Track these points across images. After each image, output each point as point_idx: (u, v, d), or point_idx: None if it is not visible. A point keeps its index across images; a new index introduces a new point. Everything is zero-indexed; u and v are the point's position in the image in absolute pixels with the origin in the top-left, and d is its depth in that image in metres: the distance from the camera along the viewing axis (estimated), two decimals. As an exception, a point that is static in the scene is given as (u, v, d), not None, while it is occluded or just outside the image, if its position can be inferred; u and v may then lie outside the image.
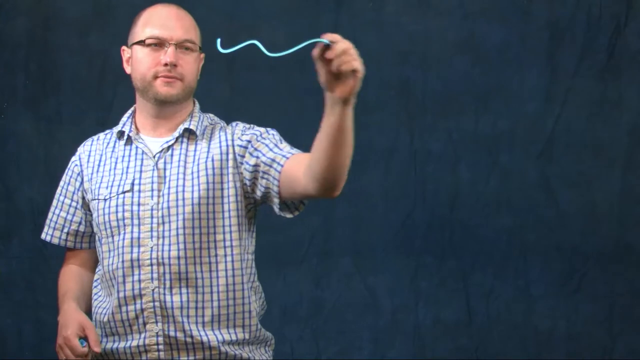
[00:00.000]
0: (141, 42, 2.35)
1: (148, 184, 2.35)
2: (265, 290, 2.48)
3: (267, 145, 2.32)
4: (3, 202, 3.71)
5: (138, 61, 2.36)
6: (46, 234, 2.50)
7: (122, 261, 2.33)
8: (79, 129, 3.66)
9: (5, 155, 3.71)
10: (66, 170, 2.49)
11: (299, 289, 3.68)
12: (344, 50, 1.96)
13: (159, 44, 2.34)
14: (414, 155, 3.68)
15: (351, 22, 3.66)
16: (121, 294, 2.33)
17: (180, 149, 2.37)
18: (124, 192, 2.35)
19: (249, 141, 2.34)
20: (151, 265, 2.31)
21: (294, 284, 3.65)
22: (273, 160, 2.29)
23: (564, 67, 3.64)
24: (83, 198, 2.45)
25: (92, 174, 2.42)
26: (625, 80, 3.63)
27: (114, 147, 2.43)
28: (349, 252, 3.67)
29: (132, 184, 2.35)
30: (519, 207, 3.66)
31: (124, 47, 2.42)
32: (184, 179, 2.34)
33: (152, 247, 2.32)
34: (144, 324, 2.32)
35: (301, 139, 3.64)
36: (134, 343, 2.33)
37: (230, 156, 2.35)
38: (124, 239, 2.34)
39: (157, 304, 2.31)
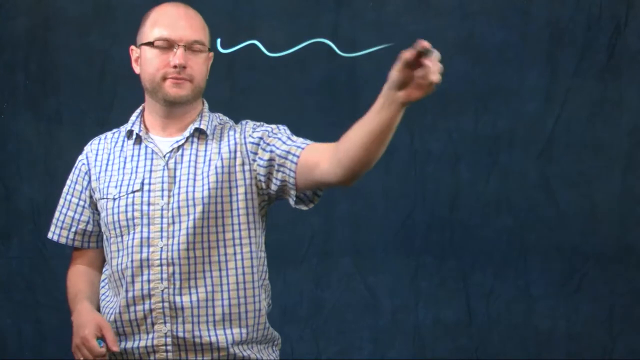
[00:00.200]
0: (150, 44, 2.34)
1: (158, 183, 2.34)
2: (265, 290, 2.48)
3: (279, 139, 2.32)
4: (3, 202, 3.71)
5: (147, 62, 2.35)
6: (53, 234, 2.48)
7: (132, 261, 2.32)
8: (79, 129, 3.67)
9: (5, 155, 3.71)
10: (73, 169, 2.47)
11: (299, 289, 3.68)
12: (430, 67, 2.01)
13: (167, 45, 2.33)
14: (414, 155, 3.68)
15: (351, 22, 3.66)
16: (130, 294, 2.33)
17: (191, 149, 2.36)
18: (133, 192, 2.34)
19: (261, 138, 2.34)
20: (161, 265, 2.31)
21: (294, 284, 3.65)
22: (288, 152, 2.29)
23: (564, 67, 3.64)
24: (91, 197, 2.43)
25: (100, 172, 2.41)
26: (625, 80, 3.63)
27: (122, 146, 2.41)
28: (349, 252, 3.67)
29: (142, 184, 2.34)
30: (519, 207, 3.66)
31: (132, 47, 2.40)
32: (194, 179, 2.33)
33: (162, 247, 2.31)
34: (153, 324, 2.32)
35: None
36: (142, 343, 2.32)
37: (239, 154, 2.35)
38: (133, 239, 2.33)
39: (166, 304, 2.31)
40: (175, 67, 2.31)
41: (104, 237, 2.40)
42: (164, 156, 2.36)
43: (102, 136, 2.48)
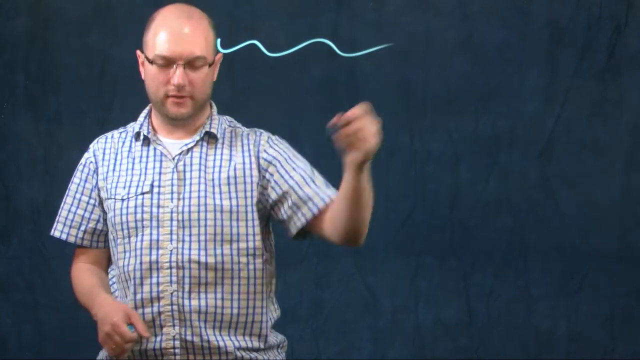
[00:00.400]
0: (150, 61, 2.31)
1: (168, 186, 2.32)
2: (265, 290, 2.48)
3: (302, 176, 2.32)
4: (3, 202, 3.71)
5: (148, 78, 2.33)
6: (61, 232, 2.43)
7: (140, 263, 2.31)
8: (79, 129, 3.67)
9: (5, 155, 3.71)
10: (80, 167, 2.43)
11: (299, 289, 3.68)
12: (354, 132, 2.05)
13: (167, 63, 2.29)
14: (414, 155, 3.68)
15: (351, 22, 3.65)
16: (138, 296, 2.31)
17: (200, 152, 2.35)
18: (142, 194, 2.33)
19: (278, 160, 2.34)
20: (170, 268, 2.29)
21: (294, 284, 3.65)
22: (309, 198, 2.30)
23: (564, 67, 3.64)
24: (99, 195, 2.40)
25: (107, 172, 2.38)
26: (625, 80, 3.63)
27: (130, 146, 2.39)
28: (349, 252, 3.67)
29: (152, 186, 2.33)
30: (519, 207, 3.66)
31: (138, 52, 2.37)
32: (205, 183, 2.32)
33: (171, 250, 2.30)
34: (161, 327, 2.30)
35: (301, 139, 3.63)
36: (150, 346, 2.31)
37: (254, 166, 2.34)
38: (142, 241, 2.31)
39: (175, 307, 2.29)
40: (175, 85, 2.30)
41: (110, 237, 2.39)
42: (173, 158, 2.35)
43: (109, 135, 2.45)
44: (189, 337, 2.30)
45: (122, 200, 2.34)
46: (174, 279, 2.29)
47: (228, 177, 2.33)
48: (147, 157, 2.37)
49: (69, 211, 2.42)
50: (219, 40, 2.28)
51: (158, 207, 2.31)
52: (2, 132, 3.70)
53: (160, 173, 2.34)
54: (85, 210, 2.41)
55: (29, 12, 3.69)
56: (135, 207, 2.32)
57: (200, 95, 2.32)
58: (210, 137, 2.37)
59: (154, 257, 2.30)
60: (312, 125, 3.68)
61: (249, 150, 2.36)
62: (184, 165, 2.34)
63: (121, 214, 2.33)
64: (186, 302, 2.29)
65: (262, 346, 2.36)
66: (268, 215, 2.37)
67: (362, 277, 3.69)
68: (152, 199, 2.32)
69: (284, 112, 3.67)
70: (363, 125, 2.05)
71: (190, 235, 2.30)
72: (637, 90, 3.63)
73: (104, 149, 2.42)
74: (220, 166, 2.34)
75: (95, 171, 2.40)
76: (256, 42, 2.12)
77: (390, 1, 3.67)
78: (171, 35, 2.29)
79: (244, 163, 2.34)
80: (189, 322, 2.29)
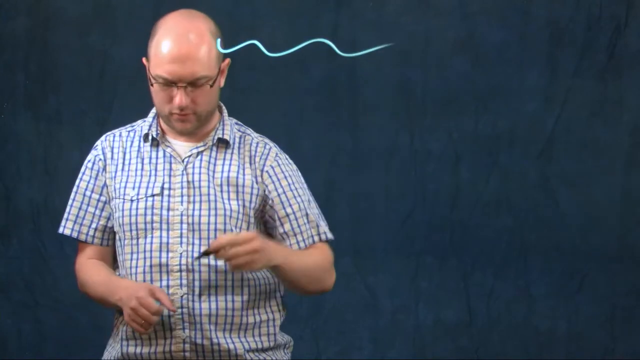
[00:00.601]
0: (153, 77, 2.28)
1: (178, 189, 2.32)
2: (265, 290, 2.49)
3: (299, 206, 2.38)
4: (3, 202, 3.71)
5: (153, 92, 2.31)
6: (72, 230, 2.40)
7: (150, 265, 2.30)
8: (79, 129, 3.67)
9: (5, 155, 3.71)
10: (88, 165, 2.41)
11: (299, 289, 3.68)
12: (237, 265, 2.18)
13: (168, 84, 2.27)
14: (414, 155, 3.68)
15: (351, 22, 3.65)
16: None
17: (210, 156, 2.35)
18: (153, 195, 2.32)
19: (281, 184, 2.37)
20: (180, 271, 2.29)
21: (294, 284, 3.65)
22: (301, 232, 2.39)
23: (564, 67, 3.64)
24: (108, 193, 2.39)
25: (116, 171, 2.37)
26: (625, 80, 3.63)
27: (139, 146, 2.38)
28: (349, 252, 3.67)
29: (162, 188, 2.32)
30: (519, 207, 3.66)
31: (144, 60, 2.33)
32: (213, 187, 2.33)
33: (181, 253, 2.30)
34: (171, 330, 2.29)
35: (301, 139, 3.65)
36: (160, 349, 2.30)
37: (259, 180, 2.36)
38: (151, 243, 2.31)
39: (185, 310, 2.29)
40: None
41: (117, 237, 2.38)
42: (183, 160, 2.35)
43: (117, 132, 2.43)
44: (199, 341, 2.30)
45: (132, 201, 2.33)
46: (184, 282, 2.29)
47: (237, 184, 2.34)
48: (157, 158, 2.36)
49: (80, 209, 2.40)
50: (218, 40, 2.28)
51: (168, 209, 2.31)
52: (2, 132, 3.70)
53: (170, 175, 2.34)
54: (96, 208, 2.39)
55: (29, 12, 3.69)
56: (145, 208, 2.32)
57: (205, 110, 2.32)
58: (221, 143, 2.37)
59: (163, 260, 2.30)
60: (312, 125, 3.68)
61: (255, 162, 2.37)
62: (193, 167, 2.34)
63: (130, 215, 2.32)
64: (196, 305, 2.29)
65: (271, 345, 2.37)
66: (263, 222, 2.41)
67: (362, 277, 3.69)
68: (162, 201, 2.32)
69: (284, 112, 3.67)
70: (230, 257, 2.17)
71: (200, 238, 2.30)
72: (637, 90, 3.63)
73: (112, 147, 2.40)
74: (229, 171, 2.35)
75: (104, 169, 2.39)
76: (256, 42, 2.12)
77: (390, 1, 3.67)
78: (172, 57, 2.25)
79: (253, 176, 2.35)
80: (199, 325, 2.29)
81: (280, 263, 2.26)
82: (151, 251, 2.31)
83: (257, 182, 2.35)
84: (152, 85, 2.30)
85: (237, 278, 2.32)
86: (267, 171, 2.37)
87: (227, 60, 2.34)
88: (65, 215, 2.41)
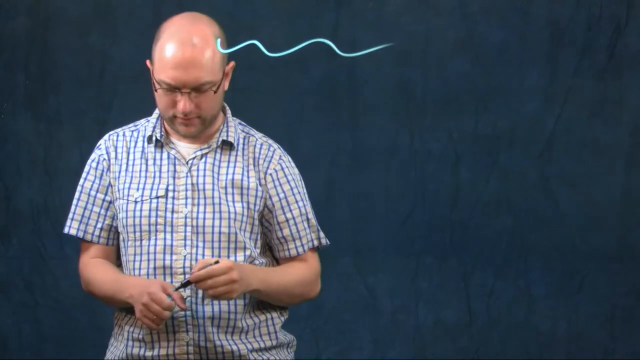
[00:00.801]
0: (157, 81, 2.27)
1: (182, 191, 2.32)
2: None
3: (300, 212, 2.39)
4: (3, 202, 3.71)
5: (157, 96, 2.30)
6: (77, 230, 2.38)
7: (154, 267, 2.30)
8: (79, 129, 3.66)
9: (5, 155, 3.71)
10: (92, 164, 2.40)
11: (299, 289, 3.68)
12: (205, 289, 2.21)
13: (172, 89, 2.26)
14: (414, 155, 3.68)
15: (351, 22, 3.65)
16: None
17: (214, 158, 2.35)
18: (157, 197, 2.31)
19: (283, 190, 2.37)
20: (184, 274, 2.29)
21: (294, 284, 3.65)
22: (299, 237, 2.40)
23: (564, 67, 3.64)
24: (112, 193, 2.38)
25: (119, 172, 2.36)
26: (625, 80, 3.63)
27: (142, 147, 2.37)
28: (349, 252, 3.67)
29: (167, 190, 2.32)
30: (519, 207, 3.66)
31: (148, 63, 2.32)
32: (218, 190, 2.32)
33: (185, 256, 2.29)
34: (174, 332, 2.29)
35: (301, 139, 3.65)
36: (163, 352, 2.30)
37: (262, 182, 2.36)
38: (155, 245, 2.30)
39: (188, 313, 2.29)
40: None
41: (120, 238, 2.37)
42: (187, 162, 2.34)
43: (120, 132, 2.42)
44: (202, 343, 2.30)
45: (136, 202, 2.33)
46: None
47: (241, 188, 2.34)
48: (161, 159, 2.35)
49: (85, 208, 2.38)
50: (218, 40, 2.28)
51: (172, 212, 2.31)
52: (2, 132, 3.70)
53: (174, 177, 2.33)
54: (102, 208, 2.38)
55: (29, 12, 3.69)
56: (150, 210, 2.31)
57: (209, 114, 2.31)
58: (225, 145, 2.37)
59: (167, 262, 2.29)
60: (312, 125, 3.68)
61: (259, 165, 2.37)
62: (197, 170, 2.34)
63: (134, 216, 2.32)
64: (200, 307, 2.29)
65: (273, 344, 2.38)
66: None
67: (362, 277, 3.69)
68: (166, 203, 2.31)
69: (284, 112, 3.67)
70: (214, 284, 2.19)
71: (204, 241, 2.30)
72: (637, 90, 3.63)
73: (116, 147, 2.39)
74: (234, 173, 2.35)
75: (108, 168, 2.38)
76: (256, 42, 2.11)
77: (390, 1, 3.67)
78: (175, 62, 2.24)
79: (257, 179, 2.36)
80: (202, 328, 2.29)
81: (258, 288, 2.28)
82: (155, 253, 2.30)
83: (260, 185, 2.36)
84: (155, 90, 2.29)
85: None
86: (270, 174, 2.37)
87: (232, 63, 2.34)
88: (70, 215, 2.40)
